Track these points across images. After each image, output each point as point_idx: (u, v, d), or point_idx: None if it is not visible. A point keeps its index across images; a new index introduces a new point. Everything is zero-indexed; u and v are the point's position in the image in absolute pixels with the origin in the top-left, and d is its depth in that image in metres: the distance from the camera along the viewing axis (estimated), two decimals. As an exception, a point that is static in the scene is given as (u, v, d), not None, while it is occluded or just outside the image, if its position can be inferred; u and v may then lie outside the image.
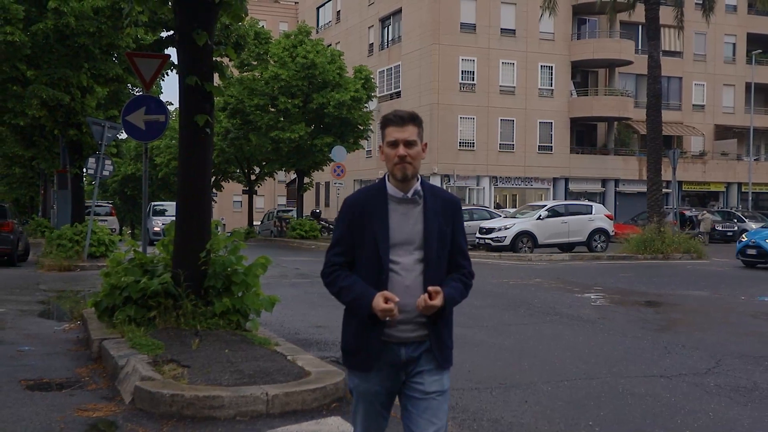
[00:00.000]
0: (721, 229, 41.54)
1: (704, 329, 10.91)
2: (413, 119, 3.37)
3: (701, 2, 29.40)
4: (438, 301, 3.22)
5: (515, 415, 6.16)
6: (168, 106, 16.10)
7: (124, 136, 32.40)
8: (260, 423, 5.72)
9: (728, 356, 8.56)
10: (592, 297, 14.66)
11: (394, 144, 3.32)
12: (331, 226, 40.91)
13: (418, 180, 3.39)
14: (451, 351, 3.44)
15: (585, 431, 5.74)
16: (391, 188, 3.38)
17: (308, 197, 53.39)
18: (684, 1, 37.29)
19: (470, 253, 17.12)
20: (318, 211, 46.39)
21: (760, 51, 51.92)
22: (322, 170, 41.66)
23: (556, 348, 9.15)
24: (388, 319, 3.21)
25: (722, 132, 53.38)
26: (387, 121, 3.38)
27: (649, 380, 7.36)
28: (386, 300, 3.18)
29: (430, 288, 3.22)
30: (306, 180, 42.45)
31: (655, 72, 26.27)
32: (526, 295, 14.83)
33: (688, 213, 40.09)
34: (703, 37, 51.14)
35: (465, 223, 20.26)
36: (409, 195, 3.35)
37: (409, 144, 3.32)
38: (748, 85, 51.31)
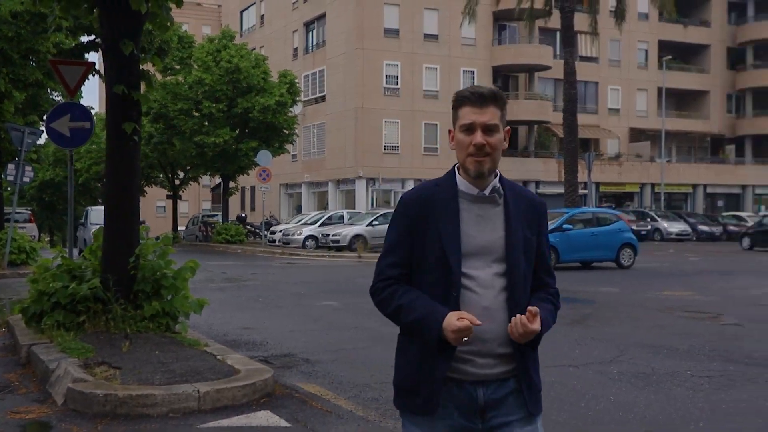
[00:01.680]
0: (635, 228, 43.12)
1: (612, 323, 11.60)
2: (495, 98, 2.66)
3: (614, 10, 30.53)
4: (537, 326, 2.54)
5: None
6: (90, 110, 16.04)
7: (43, 141, 31.85)
8: (192, 419, 5.99)
9: (631, 347, 9.19)
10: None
11: (470, 128, 2.64)
12: (257, 230, 40.96)
13: (496, 176, 2.71)
14: (540, 393, 2.74)
15: (497, 417, 6.20)
16: (462, 183, 2.70)
17: (234, 202, 53.17)
18: (599, 9, 38.71)
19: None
20: (243, 215, 46.33)
21: (671, 57, 54.06)
22: (248, 174, 41.68)
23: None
24: (465, 340, 2.52)
25: (636, 135, 55.33)
26: (461, 100, 2.68)
27: (559, 369, 7.90)
28: (460, 319, 2.51)
29: (530, 308, 2.54)
30: (231, 184, 42.40)
31: (571, 77, 27.27)
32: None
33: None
34: (617, 44, 52.96)
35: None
36: (487, 192, 2.68)
37: (489, 129, 2.63)
38: (660, 90, 53.32)
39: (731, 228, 44.31)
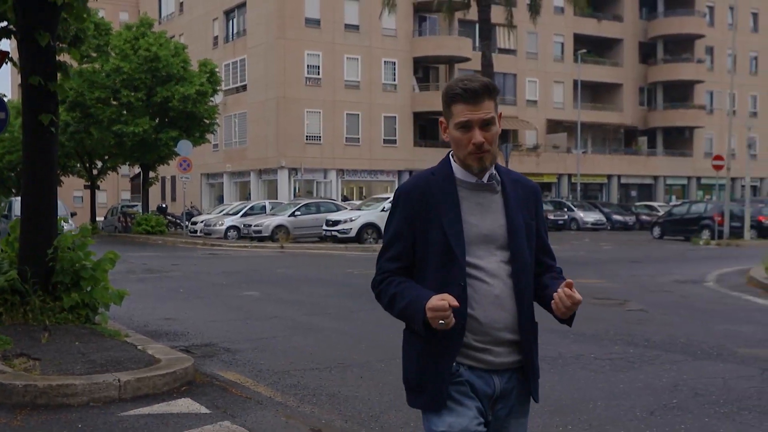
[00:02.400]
0: (553, 218, 44.36)
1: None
2: (488, 90, 2.60)
3: (529, 4, 31.27)
4: (579, 295, 2.56)
5: (351, 389, 6.84)
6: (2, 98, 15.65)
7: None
8: (113, 407, 6.09)
9: (542, 332, 9.55)
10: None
11: (467, 126, 2.59)
12: (178, 221, 40.51)
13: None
14: (538, 380, 2.78)
15: (411, 399, 6.49)
16: (459, 171, 2.67)
17: (154, 192, 52.34)
18: (516, 2, 39.50)
19: (319, 245, 18.06)
20: (164, 205, 45.76)
21: (586, 51, 55.55)
22: (168, 164, 41.15)
23: (392, 330, 9.88)
24: (441, 323, 2.46)
25: (553, 126, 56.70)
26: (454, 97, 2.61)
27: (471, 354, 8.24)
28: (441, 300, 2.47)
29: (568, 280, 2.58)
30: (151, 174, 41.80)
31: (488, 70, 27.87)
32: (368, 283, 15.58)
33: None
34: (535, 37, 54.10)
35: (313, 216, 21.15)
36: (485, 180, 2.66)
37: (486, 125, 2.59)
38: (576, 82, 54.74)
39: (644, 217, 45.96)
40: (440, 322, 2.45)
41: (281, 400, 6.46)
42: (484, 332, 2.60)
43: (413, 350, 2.68)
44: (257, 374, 7.39)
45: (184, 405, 6.21)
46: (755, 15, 63.46)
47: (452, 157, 2.70)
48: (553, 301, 2.58)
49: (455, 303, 2.46)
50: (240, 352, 8.42)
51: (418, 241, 2.66)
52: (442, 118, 2.69)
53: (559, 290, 2.56)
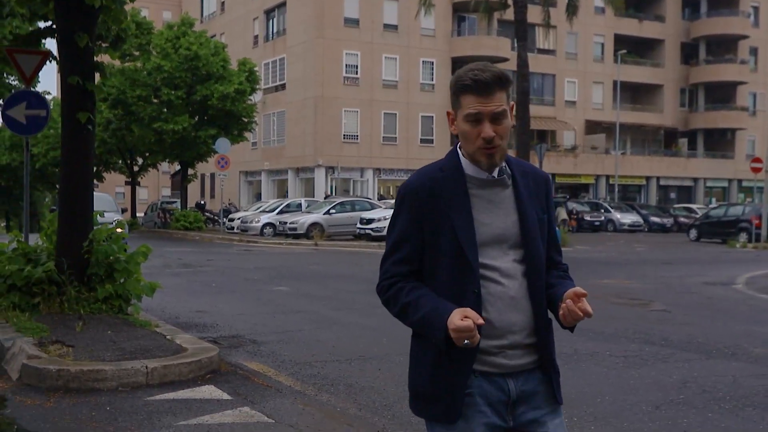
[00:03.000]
0: (589, 219, 44.21)
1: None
2: (500, 82, 2.44)
3: (566, 5, 31.21)
4: (589, 307, 2.42)
5: (368, 380, 7.09)
6: (46, 96, 16.27)
7: (-1, 126, 31.70)
8: (140, 392, 6.42)
9: (559, 330, 9.71)
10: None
11: (477, 119, 2.43)
12: (216, 217, 41.15)
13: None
14: (559, 377, 2.64)
15: (424, 391, 6.72)
16: (468, 166, 2.52)
17: (193, 189, 53.17)
18: (556, 2, 39.41)
19: (352, 242, 18.39)
20: (203, 202, 46.51)
21: (626, 51, 55.13)
22: (207, 162, 41.80)
23: (415, 326, 10.17)
24: (466, 343, 2.32)
25: (592, 127, 56.37)
26: (463, 87, 2.45)
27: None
28: (464, 318, 2.32)
29: (577, 291, 2.42)
30: (190, 171, 42.48)
31: (524, 70, 27.92)
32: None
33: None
34: (574, 37, 53.85)
35: (347, 214, 21.55)
36: (496, 175, 2.52)
37: (497, 118, 2.43)
38: (615, 83, 54.37)
39: (682, 219, 45.56)
40: (465, 342, 2.32)
41: (300, 389, 6.73)
42: (498, 336, 2.46)
43: (426, 359, 2.52)
44: (280, 365, 7.67)
45: (208, 391, 6.51)
46: (801, 15, 62.40)
47: (460, 150, 2.54)
48: (561, 312, 2.44)
49: (480, 321, 2.31)
50: (265, 344, 8.71)
51: (428, 245, 2.51)
52: (449, 110, 2.54)
53: (568, 302, 2.40)
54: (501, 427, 2.50)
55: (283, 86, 49.19)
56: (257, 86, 39.60)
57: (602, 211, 45.53)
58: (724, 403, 6.25)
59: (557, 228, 30.43)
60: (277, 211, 34.49)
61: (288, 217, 32.39)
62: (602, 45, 56.39)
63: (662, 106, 59.22)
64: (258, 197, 50.80)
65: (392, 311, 2.56)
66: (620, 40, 56.41)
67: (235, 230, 34.75)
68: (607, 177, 55.43)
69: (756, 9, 60.30)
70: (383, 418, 5.91)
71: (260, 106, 45.93)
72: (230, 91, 36.09)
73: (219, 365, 7.35)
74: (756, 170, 33.13)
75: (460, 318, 2.31)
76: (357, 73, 46.71)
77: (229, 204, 45.94)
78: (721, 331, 9.92)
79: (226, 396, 6.38)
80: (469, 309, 2.35)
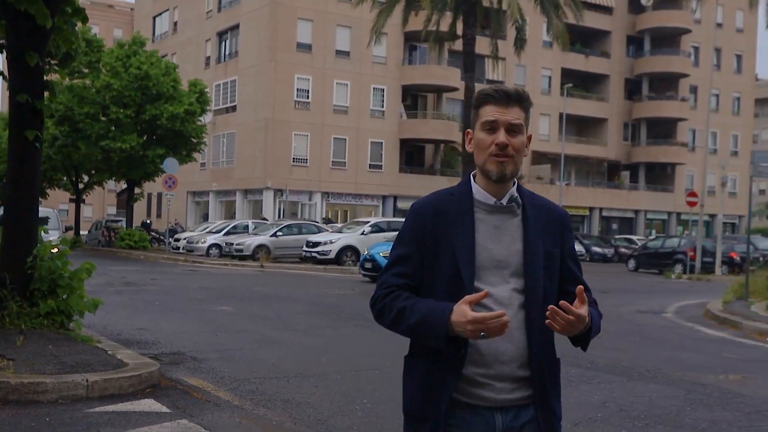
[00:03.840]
0: (533, 247, 45.02)
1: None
2: (521, 99, 2.50)
3: (514, 39, 32.03)
4: (584, 311, 2.35)
5: (305, 396, 7.33)
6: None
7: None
8: (80, 404, 6.57)
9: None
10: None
11: (493, 127, 2.46)
12: (161, 237, 40.88)
13: (515, 184, 2.54)
14: (560, 422, 2.58)
15: (358, 406, 7.00)
16: (478, 191, 2.52)
17: (139, 207, 52.70)
18: (506, 35, 40.33)
19: (298, 265, 18.52)
20: (149, 222, 46.15)
21: (572, 85, 56.52)
22: (154, 181, 41.57)
23: (355, 346, 10.45)
24: (483, 335, 2.31)
25: (538, 157, 57.47)
26: (484, 98, 2.51)
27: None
28: (471, 305, 2.31)
29: (579, 289, 2.37)
30: (137, 190, 42.17)
31: (471, 102, 28.52)
32: (340, 303, 16.14)
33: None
34: (523, 69, 55.07)
35: (294, 237, 21.63)
36: (504, 202, 2.51)
37: (513, 129, 2.46)
38: (561, 116, 55.64)
39: (622, 250, 46.71)
40: (482, 334, 2.29)
41: (238, 403, 6.95)
42: (486, 364, 2.42)
43: (414, 379, 2.52)
44: (219, 381, 7.87)
45: (147, 404, 6.69)
46: (739, 57, 64.76)
47: (473, 178, 2.56)
48: (546, 321, 2.35)
49: (484, 293, 2.34)
50: (206, 361, 8.89)
51: (427, 264, 2.50)
52: (468, 129, 2.57)
53: (561, 302, 2.33)
54: None
55: (233, 108, 49.28)
56: (207, 107, 39.65)
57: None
58: (638, 421, 6.66)
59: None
60: (223, 232, 34.49)
61: (234, 239, 32.43)
62: (549, 78, 57.75)
63: (606, 139, 60.72)
64: (205, 218, 50.61)
65: (386, 319, 2.51)
66: (567, 74, 57.83)
67: (181, 250, 34.62)
68: (552, 207, 56.47)
69: (696, 49, 62.39)
70: (317, 431, 6.17)
71: (210, 127, 45.94)
72: (180, 112, 36.09)
73: (159, 380, 7.53)
74: (691, 204, 34.26)
75: (469, 308, 2.28)
76: (308, 98, 47.06)
77: (176, 224, 45.71)
78: (645, 356, 10.40)
79: (165, 409, 6.57)
80: (468, 296, 2.32)
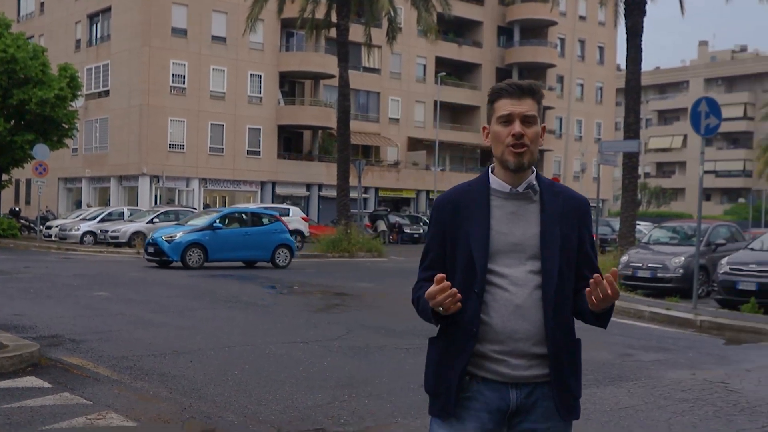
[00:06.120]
0: (408, 231, 46.42)
1: (352, 310, 13.49)
2: (533, 92, 2.67)
3: (386, 30, 33.03)
4: (616, 290, 2.49)
5: (180, 370, 7.97)
6: None
7: None
8: (-37, 383, 7.00)
9: (359, 328, 11.07)
10: (272, 287, 16.89)
11: (508, 120, 2.63)
12: (32, 225, 39.87)
13: (533, 172, 2.69)
14: (577, 401, 2.69)
15: (230, 377, 7.71)
16: (495, 181, 2.69)
17: (7, 194, 50.83)
18: (382, 23, 41.25)
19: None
20: (17, 209, 44.72)
21: (446, 73, 58.31)
22: (23, 168, 40.36)
23: (227, 326, 11.11)
24: (442, 310, 2.50)
25: (414, 144, 59.08)
26: (499, 92, 2.68)
27: (291, 345, 9.55)
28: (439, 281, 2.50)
29: (613, 271, 2.52)
30: (5, 177, 40.80)
31: (345, 90, 29.43)
32: (214, 287, 16.68)
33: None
34: (398, 57, 56.34)
35: (171, 223, 21.99)
36: (521, 189, 2.66)
37: (527, 120, 2.62)
38: (436, 103, 57.33)
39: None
40: (440, 308, 2.49)
41: (117, 378, 7.53)
42: (501, 341, 2.57)
43: (431, 358, 2.73)
44: (98, 359, 8.39)
45: (29, 381, 7.19)
46: (601, 48, 68.34)
47: (491, 170, 2.73)
48: (587, 290, 2.51)
49: (446, 283, 2.47)
50: (84, 342, 9.36)
51: (448, 253, 2.68)
52: (485, 125, 2.75)
53: (596, 275, 2.50)
54: None
55: (106, 93, 48.29)
56: (79, 93, 38.80)
57: (421, 224, 47.88)
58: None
59: (392, 240, 31.89)
60: (98, 219, 34.07)
61: (110, 226, 32.15)
62: (424, 66, 59.28)
63: (479, 126, 62.86)
64: (78, 205, 49.45)
65: (416, 309, 2.74)
66: (441, 63, 59.54)
67: (53, 238, 33.98)
68: (427, 192, 58.21)
69: (562, 41, 65.44)
70: (190, 398, 6.85)
71: (82, 112, 44.90)
72: (50, 97, 35.20)
73: (39, 359, 8.00)
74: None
75: (434, 285, 2.47)
76: (184, 83, 46.68)
77: (47, 211, 44.53)
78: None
79: (47, 385, 7.09)
80: (442, 275, 2.48)
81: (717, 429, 6.37)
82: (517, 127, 2.59)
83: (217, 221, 22.30)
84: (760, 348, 10.97)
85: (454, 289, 2.46)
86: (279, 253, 22.94)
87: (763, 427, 6.47)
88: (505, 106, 2.62)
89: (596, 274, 2.50)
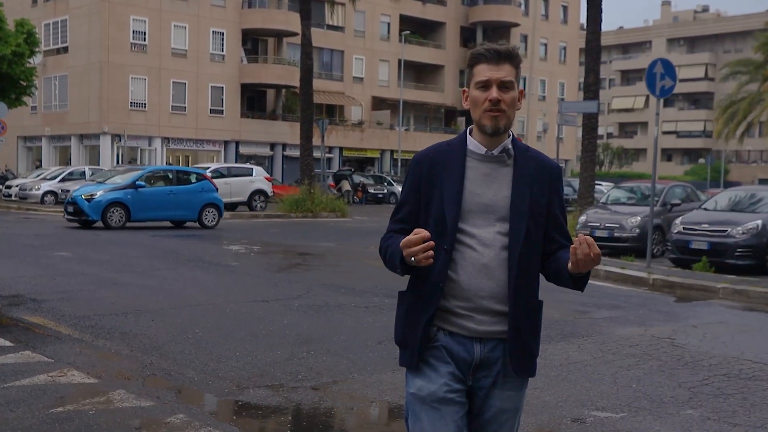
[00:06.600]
0: (373, 191, 46.54)
1: (313, 270, 13.66)
2: (511, 56, 2.71)
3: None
4: (598, 250, 2.55)
5: (142, 329, 8.09)
6: None
7: None
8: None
9: (319, 287, 11.25)
10: (237, 248, 16.99)
11: (486, 85, 2.69)
12: (-9, 185, 39.29)
13: (509, 136, 2.77)
14: (534, 359, 2.80)
15: (190, 335, 7.85)
16: (472, 143, 2.76)
17: (-36, 153, 50.02)
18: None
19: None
20: (-25, 168, 44.05)
21: (410, 32, 58.04)
22: (-20, 126, 39.67)
23: (190, 286, 11.22)
24: (413, 260, 2.57)
25: (378, 103, 58.95)
26: (477, 57, 2.72)
27: (251, 304, 9.71)
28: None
29: (585, 237, 2.55)
30: (-39, 135, 40.09)
31: (308, 49, 29.28)
32: (178, 246, 16.73)
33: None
34: (362, 15, 55.92)
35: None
36: (495, 152, 2.73)
37: (504, 86, 2.68)
38: (400, 62, 57.14)
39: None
40: (412, 259, 2.55)
41: (79, 336, 7.63)
42: (466, 298, 2.68)
43: (401, 310, 2.82)
44: (60, 318, 8.47)
45: (-11, 342, 7.26)
46: (565, 8, 68.45)
47: (469, 132, 2.78)
48: (572, 247, 2.57)
49: (424, 233, 2.54)
50: (45, 302, 9.42)
51: (423, 207, 2.76)
52: (465, 88, 2.79)
53: (580, 236, 2.56)
54: (462, 382, 2.73)
55: (65, 49, 47.37)
56: (37, 49, 38.04)
57: (385, 184, 48.00)
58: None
59: (356, 200, 31.99)
60: (59, 179, 33.70)
61: (71, 185, 31.80)
62: (388, 25, 58.93)
63: (443, 85, 62.89)
64: (39, 164, 48.76)
65: (382, 259, 2.82)
66: (405, 21, 59.22)
67: (13, 198, 33.59)
68: (392, 152, 58.28)
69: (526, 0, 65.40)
70: (151, 356, 6.99)
71: (40, 69, 44.05)
72: (7, 53, 34.48)
73: (0, 319, 8.06)
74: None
75: (411, 235, 2.56)
76: (145, 40, 45.96)
77: (6, 170, 43.92)
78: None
79: (8, 343, 7.17)
80: (422, 229, 2.58)
81: (660, 382, 6.67)
82: (494, 92, 2.66)
83: (140, 179, 21.40)
84: (708, 305, 11.36)
85: (432, 243, 2.54)
86: (206, 213, 22.28)
87: (704, 380, 6.78)
88: (483, 72, 2.68)
89: (581, 235, 2.58)
